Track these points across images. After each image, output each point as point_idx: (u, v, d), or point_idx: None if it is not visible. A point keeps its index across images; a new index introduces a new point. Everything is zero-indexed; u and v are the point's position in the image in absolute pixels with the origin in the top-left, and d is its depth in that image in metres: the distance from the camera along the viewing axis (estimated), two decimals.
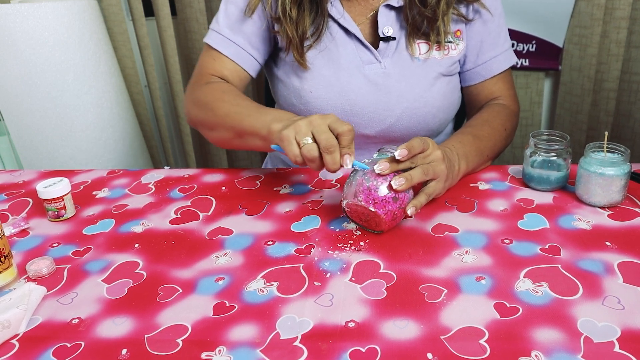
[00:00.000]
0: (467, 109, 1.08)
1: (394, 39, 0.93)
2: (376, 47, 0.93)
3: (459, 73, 1.01)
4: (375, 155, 0.74)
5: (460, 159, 0.82)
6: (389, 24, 0.92)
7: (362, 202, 0.69)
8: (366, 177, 0.70)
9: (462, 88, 1.04)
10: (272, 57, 1.01)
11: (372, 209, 0.69)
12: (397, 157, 0.69)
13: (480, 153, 0.88)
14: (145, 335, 0.57)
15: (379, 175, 0.70)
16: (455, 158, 0.81)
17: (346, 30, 0.92)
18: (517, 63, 1.71)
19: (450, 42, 0.95)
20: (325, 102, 0.93)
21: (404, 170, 0.71)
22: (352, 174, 0.73)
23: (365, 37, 0.94)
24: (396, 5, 0.91)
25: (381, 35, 0.92)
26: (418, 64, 0.94)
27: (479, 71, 0.99)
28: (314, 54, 0.93)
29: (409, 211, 0.70)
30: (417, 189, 0.74)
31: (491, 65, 0.99)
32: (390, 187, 0.69)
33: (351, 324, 0.57)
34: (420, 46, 0.93)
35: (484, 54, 0.98)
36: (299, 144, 0.71)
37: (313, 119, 0.72)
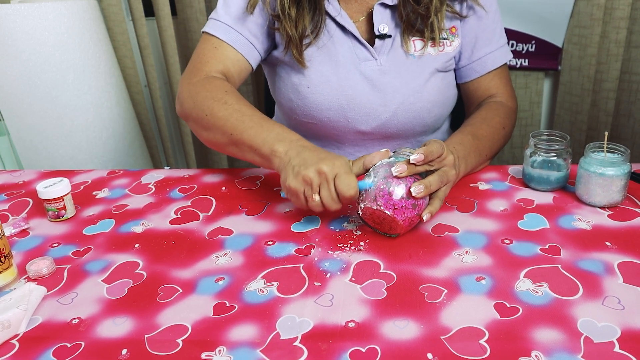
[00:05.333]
0: (466, 106, 1.08)
1: (390, 36, 0.93)
2: (372, 44, 0.94)
3: (455, 70, 1.02)
4: (391, 158, 0.74)
5: (460, 162, 0.82)
6: (384, 22, 0.93)
7: (382, 207, 0.69)
8: (386, 182, 0.70)
9: (459, 85, 1.05)
10: (271, 53, 1.02)
11: (392, 215, 0.69)
12: (412, 161, 0.70)
13: (479, 154, 0.88)
14: (145, 335, 0.57)
15: (398, 180, 0.70)
16: (456, 161, 0.81)
17: (343, 28, 0.93)
18: (516, 63, 1.71)
19: (445, 38, 0.95)
20: (323, 97, 0.94)
21: (421, 174, 0.72)
22: (368, 175, 0.72)
23: (362, 34, 0.95)
24: (390, 3, 0.92)
25: (377, 33, 0.93)
26: (413, 60, 0.94)
27: (474, 67, 1.00)
28: (312, 51, 0.93)
29: (425, 217, 0.71)
30: None
31: (486, 61, 0.99)
32: (409, 193, 0.69)
33: (351, 324, 0.57)
34: (415, 43, 0.94)
35: (479, 50, 0.98)
36: (306, 198, 0.72)
37: (322, 171, 0.70)
